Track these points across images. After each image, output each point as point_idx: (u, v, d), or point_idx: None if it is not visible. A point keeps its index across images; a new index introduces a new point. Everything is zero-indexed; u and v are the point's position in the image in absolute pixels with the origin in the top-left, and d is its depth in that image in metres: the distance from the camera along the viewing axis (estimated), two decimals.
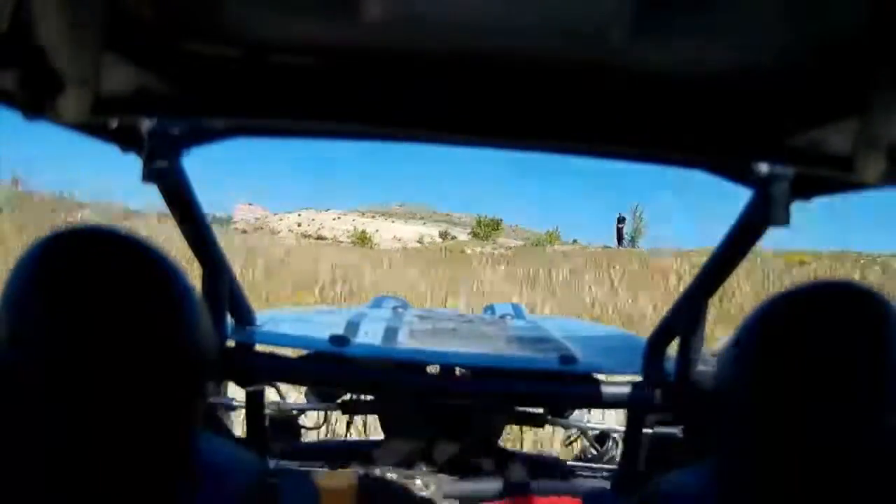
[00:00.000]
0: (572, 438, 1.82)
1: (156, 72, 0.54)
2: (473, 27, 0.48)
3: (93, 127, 0.65)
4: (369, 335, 1.32)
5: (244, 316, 1.19)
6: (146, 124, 0.58)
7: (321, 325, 1.36)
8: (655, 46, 0.50)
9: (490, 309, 2.23)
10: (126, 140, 0.68)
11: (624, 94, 0.57)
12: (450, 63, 0.54)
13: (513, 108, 0.57)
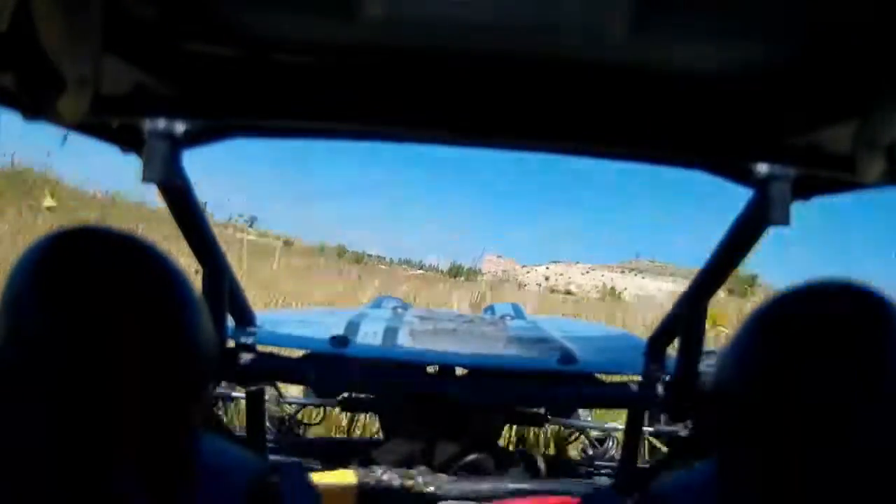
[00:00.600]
0: (572, 438, 1.82)
1: (156, 72, 0.54)
2: (474, 27, 0.48)
3: (93, 127, 0.65)
4: (369, 335, 1.32)
5: (244, 316, 1.19)
6: (146, 124, 0.58)
7: (321, 325, 1.36)
8: (655, 47, 0.50)
9: (490, 309, 2.23)
10: (126, 140, 0.68)
11: (624, 94, 0.57)
12: (450, 63, 0.54)
13: (513, 108, 0.57)
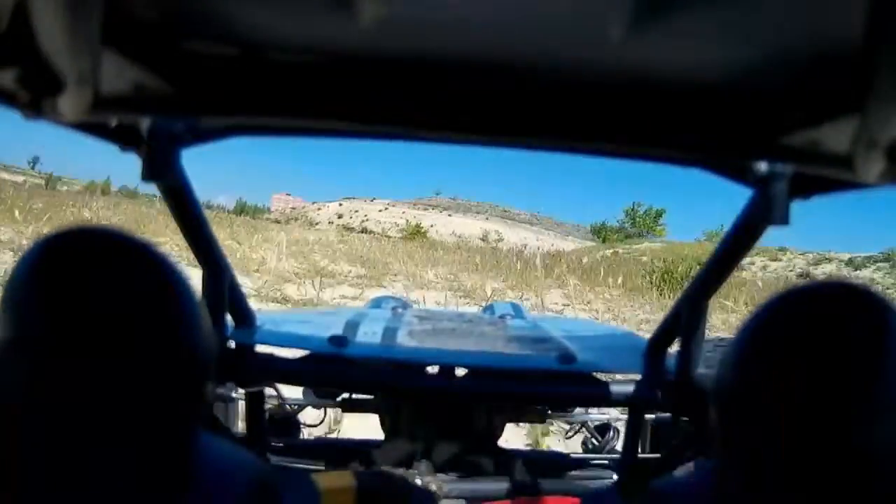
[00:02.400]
0: (574, 431, 1.82)
1: (156, 71, 0.54)
2: (473, 27, 0.48)
3: (93, 126, 0.65)
4: (369, 335, 1.32)
5: (244, 316, 1.19)
6: (146, 123, 0.58)
7: (321, 325, 1.36)
8: (655, 46, 0.50)
9: (490, 309, 2.23)
10: (126, 139, 0.68)
11: (624, 93, 0.57)
12: (449, 62, 0.54)
13: (512, 107, 0.57)
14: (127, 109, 0.57)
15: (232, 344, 1.14)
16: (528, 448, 2.50)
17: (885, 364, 0.51)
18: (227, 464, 0.65)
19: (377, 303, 2.14)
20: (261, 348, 1.22)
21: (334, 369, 1.18)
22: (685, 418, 1.13)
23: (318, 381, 1.25)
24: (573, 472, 1.36)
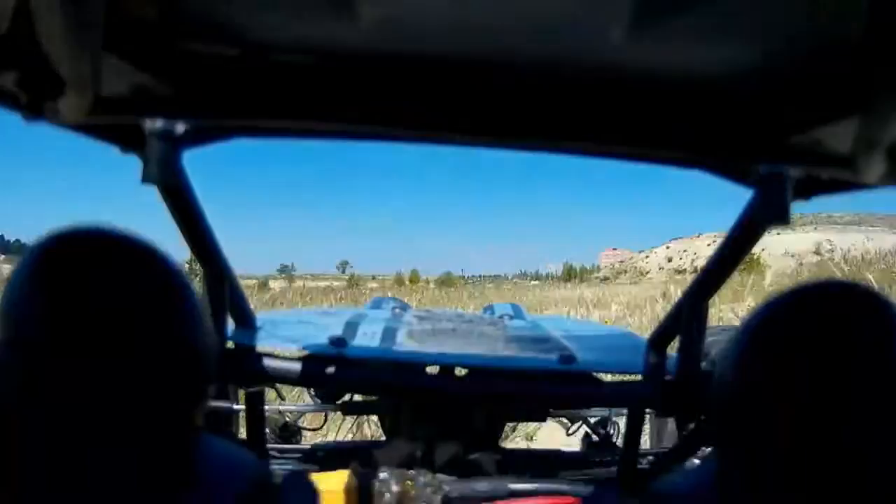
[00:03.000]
0: (574, 429, 1.82)
1: (156, 72, 0.54)
2: (473, 28, 0.48)
3: (93, 127, 0.65)
4: (369, 336, 1.32)
5: (244, 317, 1.19)
6: (146, 124, 0.58)
7: (321, 326, 1.36)
8: (655, 47, 0.50)
9: (490, 309, 2.23)
10: (126, 140, 0.68)
11: (624, 94, 0.57)
12: (450, 63, 0.54)
13: (513, 109, 0.57)
14: (127, 111, 0.57)
15: (232, 344, 1.14)
16: (528, 447, 2.49)
17: (886, 364, 0.51)
18: (227, 464, 0.65)
19: (377, 303, 2.14)
20: (261, 348, 1.22)
21: (334, 370, 1.18)
22: (685, 419, 1.13)
23: (318, 381, 1.25)
24: (573, 472, 1.36)
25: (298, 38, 0.52)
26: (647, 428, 1.48)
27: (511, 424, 1.64)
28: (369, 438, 2.14)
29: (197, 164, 0.77)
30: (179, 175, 0.76)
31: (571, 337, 1.42)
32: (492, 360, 1.26)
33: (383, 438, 1.36)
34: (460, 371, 1.27)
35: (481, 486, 1.16)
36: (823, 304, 0.54)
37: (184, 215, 0.89)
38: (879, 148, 0.49)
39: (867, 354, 0.51)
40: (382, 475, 1.14)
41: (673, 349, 1.11)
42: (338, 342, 1.20)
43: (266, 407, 1.27)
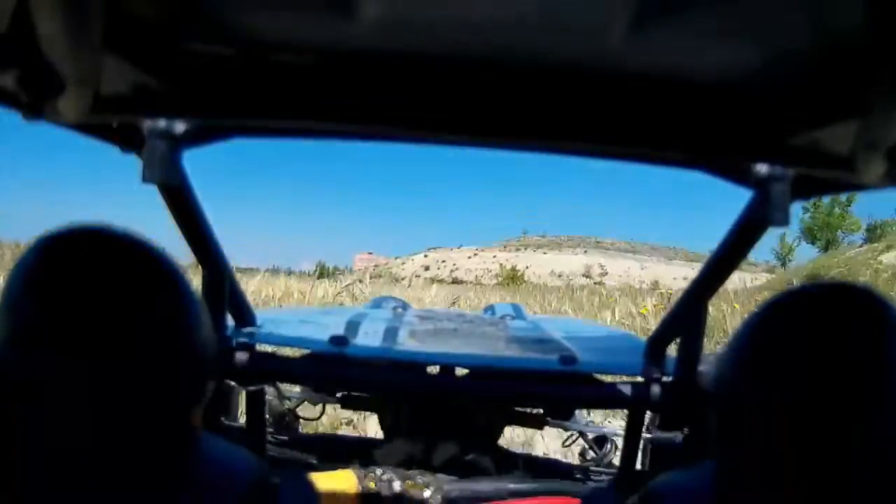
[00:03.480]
0: (571, 440, 1.82)
1: (156, 72, 0.54)
2: (473, 28, 0.48)
3: (93, 127, 0.65)
4: (369, 335, 1.32)
5: (244, 316, 1.19)
6: (146, 124, 0.58)
7: (321, 325, 1.36)
8: (656, 48, 0.50)
9: (490, 309, 2.23)
10: (126, 140, 0.68)
11: (624, 94, 0.57)
12: (450, 63, 0.54)
13: (513, 109, 0.57)
14: (127, 110, 0.58)
15: (232, 344, 1.14)
16: (528, 452, 2.49)
17: (885, 364, 0.51)
18: (227, 464, 0.65)
19: (377, 303, 2.13)
20: (261, 348, 1.22)
21: (334, 369, 1.18)
22: (685, 419, 1.13)
23: (319, 380, 1.25)
24: (572, 475, 1.36)
25: (298, 38, 0.52)
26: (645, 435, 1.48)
27: (506, 438, 1.64)
28: (367, 432, 2.13)
29: (197, 161, 0.77)
30: (179, 175, 0.76)
31: (572, 338, 1.42)
32: (492, 360, 1.26)
33: (382, 436, 1.36)
34: (461, 371, 1.27)
35: (481, 486, 1.16)
36: (822, 305, 0.54)
37: (184, 215, 0.90)
38: (879, 148, 0.49)
39: (866, 355, 0.51)
40: (382, 475, 1.14)
41: (673, 350, 1.11)
42: (339, 341, 1.20)
43: (266, 397, 1.27)
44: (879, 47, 0.43)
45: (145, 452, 0.53)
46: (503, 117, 0.58)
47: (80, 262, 0.52)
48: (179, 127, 0.56)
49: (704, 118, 0.58)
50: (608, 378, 1.22)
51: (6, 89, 0.47)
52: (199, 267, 1.03)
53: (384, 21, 0.46)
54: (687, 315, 1.05)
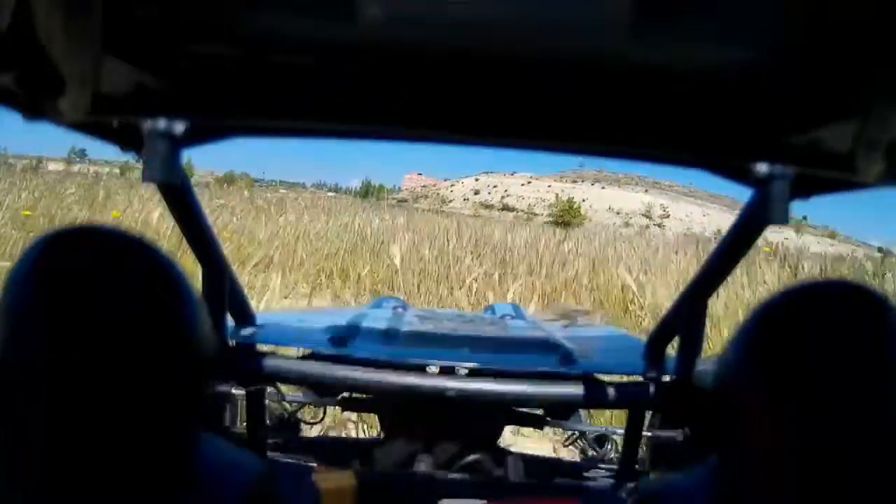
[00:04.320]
0: (571, 440, 1.82)
1: (156, 71, 0.54)
2: (474, 27, 0.48)
3: (93, 126, 0.65)
4: (369, 335, 1.32)
5: (244, 316, 1.19)
6: (146, 124, 0.58)
7: (321, 325, 1.36)
8: (655, 46, 0.50)
9: (490, 309, 2.23)
10: (126, 139, 0.68)
11: (623, 93, 0.57)
12: (450, 62, 0.54)
13: (513, 108, 0.57)
14: (127, 110, 0.58)
15: (232, 343, 1.14)
16: (528, 452, 2.50)
17: (886, 363, 0.51)
18: (227, 464, 0.65)
19: (378, 303, 2.14)
20: (261, 348, 1.22)
21: (334, 369, 1.18)
22: (685, 419, 1.13)
23: (319, 380, 1.25)
24: (572, 475, 1.36)
25: (298, 38, 0.52)
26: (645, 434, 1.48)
27: (503, 441, 1.64)
28: (367, 433, 2.13)
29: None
30: (179, 175, 0.76)
31: (572, 338, 1.42)
32: (492, 360, 1.26)
33: (382, 436, 1.36)
34: (461, 371, 1.27)
35: (481, 486, 1.16)
36: (823, 303, 0.54)
37: (183, 214, 0.90)
38: (879, 148, 0.49)
39: (867, 354, 0.51)
40: (382, 475, 1.14)
41: (673, 349, 1.11)
42: (338, 341, 1.20)
43: (266, 401, 1.27)
44: (879, 47, 0.43)
45: (145, 452, 0.53)
46: (503, 115, 0.58)
47: (79, 261, 0.52)
48: (179, 127, 0.56)
49: (704, 117, 0.58)
50: (608, 378, 1.22)
51: (6, 89, 0.47)
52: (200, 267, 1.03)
53: (385, 20, 0.46)
54: (687, 314, 1.05)
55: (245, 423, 1.24)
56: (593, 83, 0.56)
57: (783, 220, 0.62)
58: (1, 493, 0.50)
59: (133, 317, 0.51)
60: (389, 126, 0.60)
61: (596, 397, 1.18)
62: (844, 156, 0.53)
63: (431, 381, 1.22)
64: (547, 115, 0.58)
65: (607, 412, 2.80)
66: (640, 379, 1.16)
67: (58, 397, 0.49)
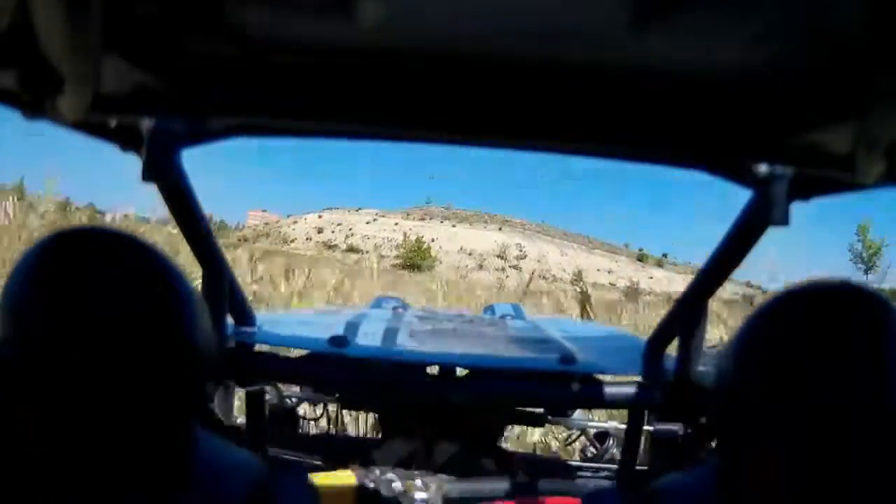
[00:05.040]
0: (572, 438, 1.82)
1: (156, 71, 0.54)
2: (474, 27, 0.48)
3: (93, 126, 0.65)
4: (369, 335, 1.32)
5: (244, 316, 1.19)
6: (146, 124, 0.58)
7: (321, 325, 1.36)
8: (655, 48, 0.50)
9: (490, 309, 2.23)
10: (126, 139, 0.68)
11: (624, 94, 0.57)
12: (450, 63, 0.54)
13: (513, 108, 0.57)
14: (127, 109, 0.58)
15: (232, 344, 1.14)
16: (528, 451, 2.50)
17: (885, 364, 0.51)
18: (226, 464, 0.65)
19: (378, 303, 2.14)
20: (261, 348, 1.22)
21: (334, 369, 1.18)
22: (685, 419, 1.13)
23: (319, 380, 1.25)
24: (573, 474, 1.36)
25: (298, 38, 0.52)
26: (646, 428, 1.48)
27: (503, 441, 1.64)
28: (367, 433, 2.13)
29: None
30: (178, 174, 0.76)
31: (571, 338, 1.42)
32: (492, 360, 1.26)
33: (382, 436, 1.36)
34: (461, 371, 1.27)
35: (481, 486, 1.16)
36: (823, 304, 0.54)
37: (183, 214, 0.90)
38: (878, 148, 0.49)
39: (866, 354, 0.51)
40: (382, 475, 1.14)
41: (672, 350, 1.11)
42: (338, 342, 1.20)
43: (266, 401, 1.27)
44: (879, 47, 0.43)
45: (145, 452, 0.53)
46: (502, 117, 0.58)
47: (81, 263, 0.52)
48: (179, 126, 0.56)
49: (704, 118, 0.58)
50: (608, 378, 1.22)
51: (6, 88, 0.47)
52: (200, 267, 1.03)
53: (384, 21, 0.46)
54: (687, 315, 1.05)
55: (245, 423, 1.24)
56: (594, 85, 0.56)
57: (783, 220, 0.62)
58: (2, 493, 0.50)
59: (133, 317, 0.51)
60: (389, 126, 0.60)
61: (596, 397, 1.18)
62: (844, 156, 0.53)
63: (431, 381, 1.22)
64: (547, 116, 0.58)
65: (607, 412, 2.80)
66: (641, 379, 1.16)
67: (58, 397, 0.49)
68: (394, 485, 1.12)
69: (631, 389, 1.15)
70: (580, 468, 1.42)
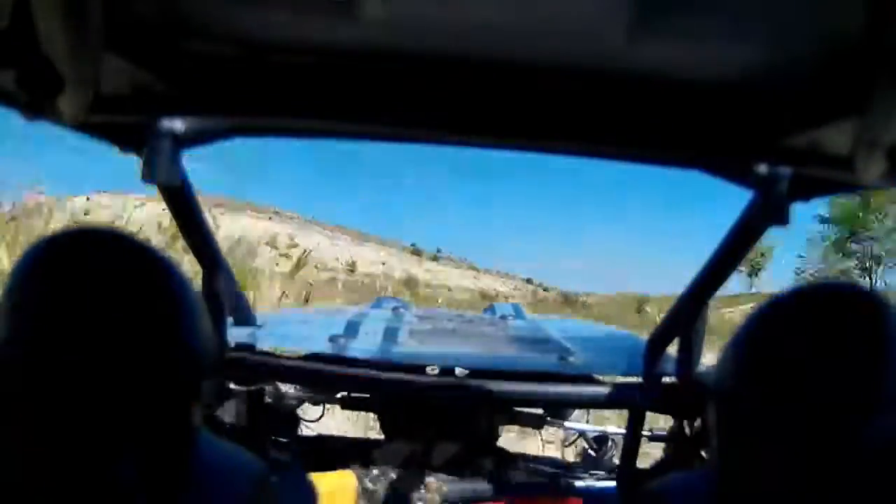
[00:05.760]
0: (571, 440, 1.81)
1: (156, 71, 0.54)
2: (474, 28, 0.48)
3: (93, 126, 0.65)
4: (369, 336, 1.32)
5: (244, 316, 1.19)
6: (146, 123, 0.58)
7: (321, 325, 1.36)
8: (655, 48, 0.50)
9: (490, 309, 2.23)
10: (126, 140, 0.68)
11: (624, 95, 0.57)
12: (449, 64, 0.54)
13: (513, 109, 0.57)
14: (127, 110, 0.58)
15: (232, 343, 1.15)
16: (528, 452, 2.50)
17: (884, 364, 0.51)
18: (227, 464, 0.65)
19: (378, 303, 2.14)
20: (261, 348, 1.22)
21: (334, 369, 1.18)
22: (685, 419, 1.13)
23: (319, 380, 1.25)
24: (572, 475, 1.36)
25: (298, 38, 0.52)
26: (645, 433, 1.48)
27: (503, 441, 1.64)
28: (367, 433, 2.13)
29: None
30: (179, 174, 0.76)
31: (572, 338, 1.42)
32: (492, 360, 1.26)
33: (382, 436, 1.36)
34: (461, 371, 1.27)
35: (481, 486, 1.16)
36: (822, 305, 0.54)
37: (183, 214, 0.90)
38: (879, 148, 0.49)
39: (865, 355, 0.51)
40: (382, 475, 1.14)
41: (673, 350, 1.11)
42: (338, 341, 1.20)
43: (266, 401, 1.27)
44: (879, 47, 0.43)
45: (145, 452, 0.53)
46: (502, 117, 0.58)
47: (81, 263, 0.52)
48: (180, 127, 0.56)
49: (704, 118, 0.58)
50: (608, 378, 1.22)
51: (6, 89, 0.47)
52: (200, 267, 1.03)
53: (384, 22, 0.46)
54: (687, 315, 1.05)
55: (245, 423, 1.24)
56: (594, 86, 0.56)
57: (783, 221, 0.62)
58: (2, 493, 0.50)
59: (133, 318, 0.51)
60: (389, 126, 0.60)
61: (596, 397, 1.18)
62: (844, 157, 0.53)
63: (431, 381, 1.22)
64: (547, 117, 0.58)
65: (607, 412, 2.80)
66: (641, 379, 1.16)
67: (58, 397, 0.49)
68: (394, 485, 1.12)
69: (631, 389, 1.15)
70: (580, 468, 1.42)
